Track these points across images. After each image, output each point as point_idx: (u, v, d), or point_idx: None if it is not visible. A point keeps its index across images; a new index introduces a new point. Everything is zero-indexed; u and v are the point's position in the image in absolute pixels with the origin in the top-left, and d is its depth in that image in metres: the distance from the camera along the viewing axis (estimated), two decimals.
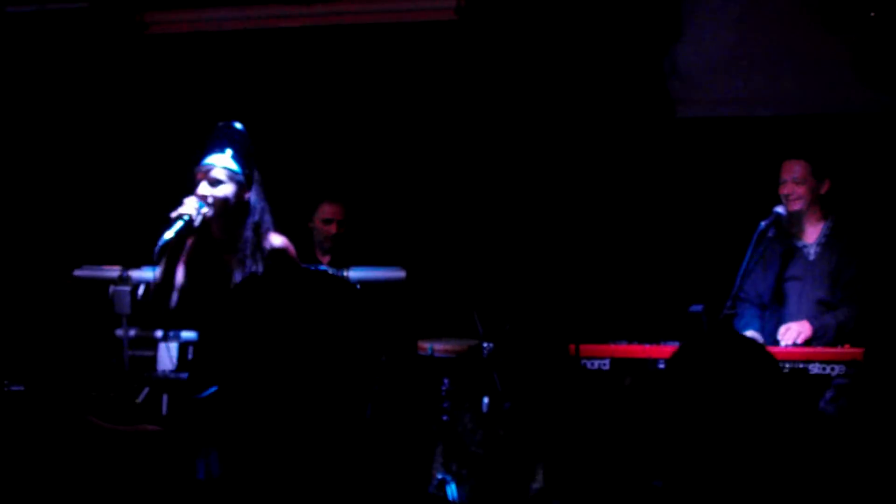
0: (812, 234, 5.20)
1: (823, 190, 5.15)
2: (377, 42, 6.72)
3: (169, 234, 4.19)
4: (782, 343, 4.90)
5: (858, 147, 6.01)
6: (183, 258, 4.37)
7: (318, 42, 6.82)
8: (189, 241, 4.37)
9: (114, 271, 5.34)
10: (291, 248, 4.48)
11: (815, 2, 6.01)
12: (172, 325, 4.50)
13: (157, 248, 4.18)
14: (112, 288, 5.43)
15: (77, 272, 5.65)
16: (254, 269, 4.31)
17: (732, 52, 6.26)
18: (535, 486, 5.34)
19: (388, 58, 6.72)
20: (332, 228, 6.17)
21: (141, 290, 4.51)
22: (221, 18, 6.93)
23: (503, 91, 6.54)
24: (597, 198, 6.42)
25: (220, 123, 4.45)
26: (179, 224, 4.22)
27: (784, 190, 5.14)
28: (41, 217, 6.89)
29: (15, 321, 6.41)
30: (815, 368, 4.69)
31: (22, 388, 4.97)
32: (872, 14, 5.63)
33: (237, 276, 4.34)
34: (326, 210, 6.22)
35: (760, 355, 2.19)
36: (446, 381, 5.52)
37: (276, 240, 4.43)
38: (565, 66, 6.44)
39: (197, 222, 4.26)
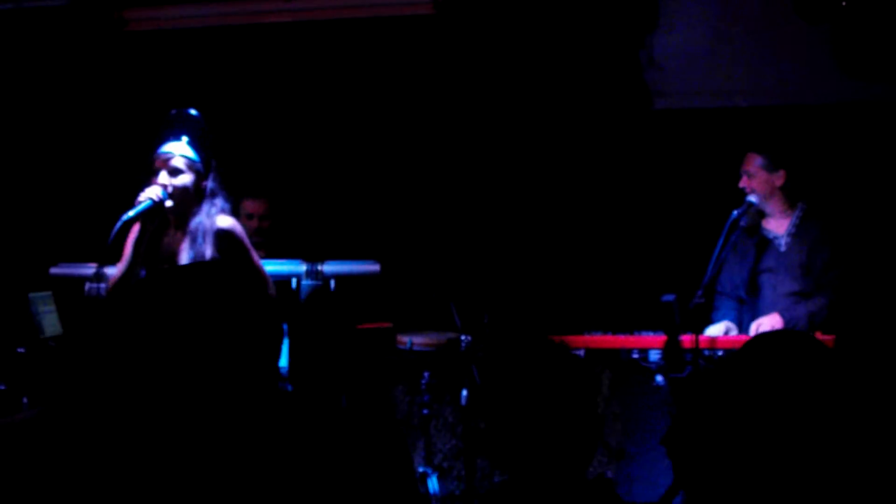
0: (782, 225, 5.21)
1: (779, 182, 5.14)
2: (356, 37, 6.73)
3: (129, 214, 4.22)
4: None
5: (835, 135, 6.02)
6: (145, 250, 4.39)
7: (298, 38, 6.82)
8: (150, 231, 4.38)
9: (89, 269, 5.37)
10: (239, 229, 4.49)
11: None
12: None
13: (115, 228, 4.20)
14: (88, 285, 5.46)
15: (53, 270, 5.67)
16: (202, 250, 4.33)
17: (709, 42, 6.26)
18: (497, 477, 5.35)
19: (367, 52, 6.73)
20: (254, 223, 6.18)
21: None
22: (200, 15, 6.93)
23: (481, 84, 6.54)
24: (573, 189, 6.43)
25: (174, 110, 4.48)
26: (144, 205, 4.25)
27: (740, 183, 5.18)
28: (18, 214, 6.90)
29: None
30: None
31: (4, 387, 4.99)
32: (844, 3, 5.63)
33: (188, 256, 4.36)
34: (247, 206, 6.23)
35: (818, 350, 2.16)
36: (426, 374, 5.53)
37: (224, 221, 4.45)
38: (543, 59, 6.45)
39: (166, 205, 4.30)
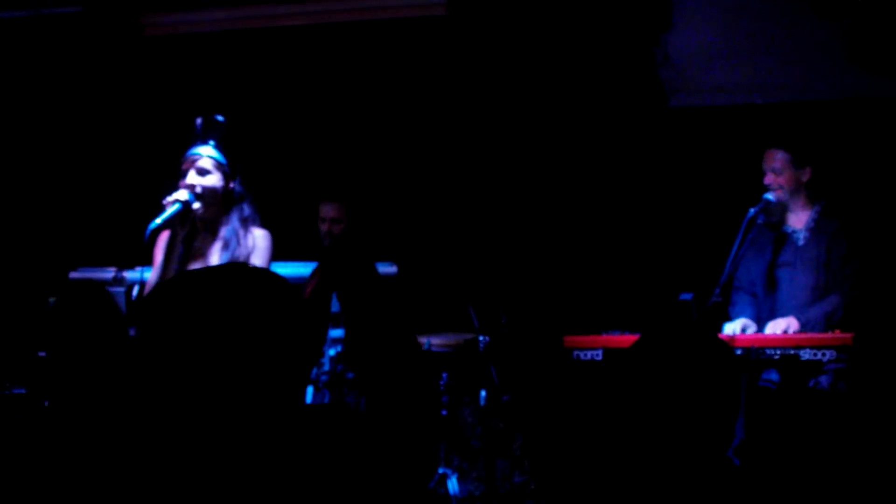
0: (801, 219, 5.19)
1: (805, 178, 5.13)
2: (371, 39, 6.75)
3: (160, 219, 4.25)
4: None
5: (853, 131, 6.00)
6: (179, 255, 4.42)
7: (313, 40, 6.85)
8: (182, 237, 4.41)
9: (109, 272, 5.40)
10: (267, 240, 4.52)
11: None
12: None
13: (147, 231, 4.23)
14: (108, 289, 5.48)
15: (73, 274, 5.71)
16: (236, 253, 4.37)
17: (724, 39, 6.24)
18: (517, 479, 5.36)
19: (382, 54, 6.74)
20: (326, 227, 6.19)
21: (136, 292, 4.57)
22: (216, 19, 6.96)
23: (495, 84, 6.55)
24: (589, 188, 6.43)
25: (202, 116, 4.51)
26: (173, 209, 4.29)
27: (766, 180, 5.14)
28: (38, 219, 6.94)
29: (14, 324, 6.46)
30: (805, 354, 4.68)
31: (23, 390, 5.03)
32: None
33: (222, 260, 4.39)
34: (325, 210, 6.24)
35: (716, 348, 2.19)
36: (444, 375, 5.54)
37: (258, 232, 4.49)
38: (557, 58, 6.45)
39: (194, 207, 4.33)
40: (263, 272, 1.84)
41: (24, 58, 7.00)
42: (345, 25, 6.80)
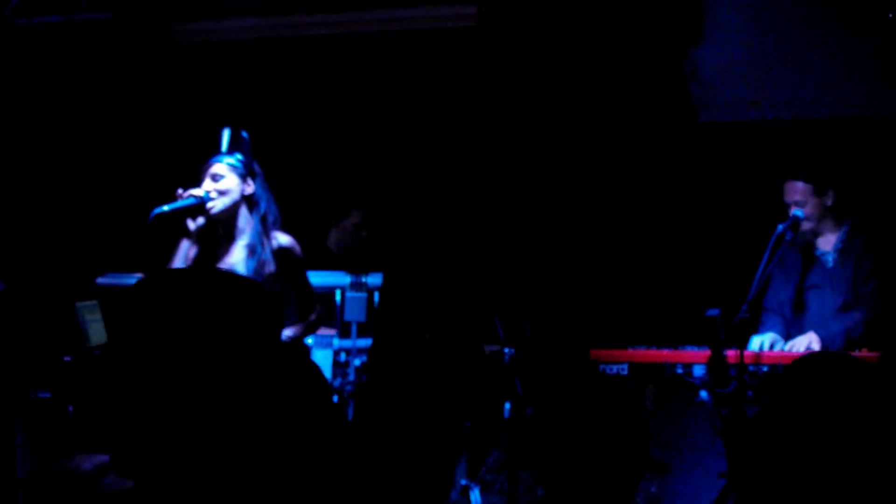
0: (829, 241, 5.16)
1: (830, 202, 5.09)
2: (400, 50, 6.76)
3: (168, 206, 4.32)
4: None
5: (884, 148, 5.96)
6: (192, 253, 4.45)
7: (342, 51, 6.87)
8: (195, 234, 4.43)
9: (135, 278, 5.42)
10: (297, 248, 4.57)
11: (834, 4, 5.97)
12: None
13: (151, 214, 4.26)
14: None
15: (100, 280, 5.73)
16: (262, 258, 4.39)
17: (754, 54, 6.22)
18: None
19: (411, 65, 6.75)
20: (363, 234, 6.29)
21: None
22: (247, 27, 6.99)
23: (525, 97, 6.55)
24: (618, 202, 6.41)
25: (229, 127, 4.55)
26: (185, 201, 4.36)
27: (790, 211, 5.12)
28: (66, 224, 6.97)
29: (40, 328, 6.48)
30: None
31: (49, 395, 5.05)
32: (891, 15, 5.59)
33: (248, 266, 4.41)
34: (357, 216, 6.31)
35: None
36: None
37: (284, 238, 4.53)
38: (587, 71, 6.44)
39: (208, 206, 4.38)
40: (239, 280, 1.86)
41: (55, 63, 7.04)
42: (375, 35, 6.81)
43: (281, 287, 4.50)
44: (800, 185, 5.09)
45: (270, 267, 4.42)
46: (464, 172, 6.66)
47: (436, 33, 6.67)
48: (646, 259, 6.33)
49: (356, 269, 5.75)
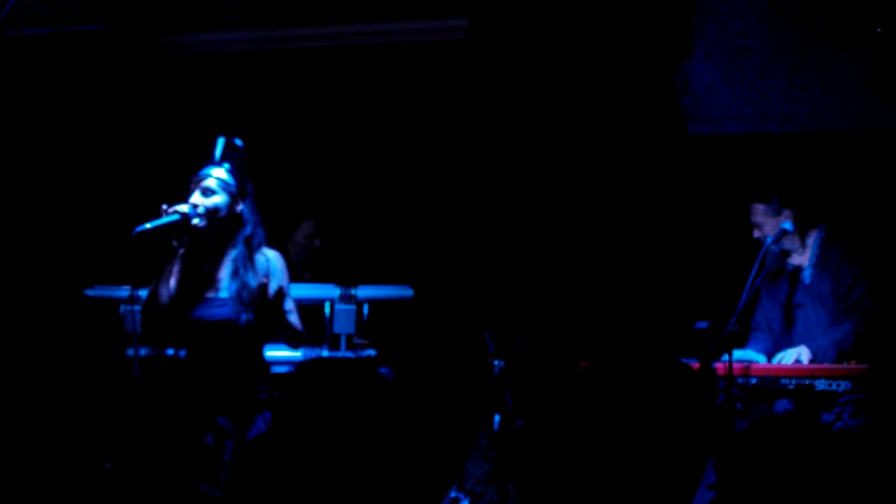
0: (804, 256, 5.18)
1: (788, 220, 5.10)
2: (391, 63, 6.78)
3: (151, 224, 4.21)
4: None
5: (871, 161, 5.99)
6: (176, 270, 4.35)
7: (333, 63, 6.88)
8: (181, 253, 4.35)
9: (124, 291, 5.41)
10: (282, 261, 4.49)
11: (823, 19, 5.99)
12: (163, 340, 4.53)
13: (134, 232, 4.18)
14: (123, 307, 5.50)
15: (88, 292, 5.72)
16: (244, 280, 4.30)
17: (743, 68, 6.26)
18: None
19: (402, 78, 6.77)
20: (317, 243, 6.20)
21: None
22: (239, 40, 7.00)
23: (514, 108, 6.56)
24: (607, 214, 6.42)
25: (221, 137, 4.48)
26: (168, 218, 4.25)
27: (754, 234, 5.16)
28: (55, 237, 6.96)
29: (28, 341, 6.48)
30: (820, 385, 4.70)
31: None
32: (879, 30, 5.61)
33: (230, 289, 4.33)
34: (309, 226, 6.23)
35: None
36: None
37: (271, 252, 4.45)
38: (577, 84, 6.46)
39: (194, 222, 4.29)
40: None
41: (47, 75, 7.04)
42: (366, 49, 6.82)
43: (274, 296, 4.38)
44: (757, 206, 5.14)
45: (255, 282, 4.32)
46: (455, 184, 6.67)
47: (426, 46, 6.68)
48: (635, 271, 6.33)
49: (320, 279, 5.73)
